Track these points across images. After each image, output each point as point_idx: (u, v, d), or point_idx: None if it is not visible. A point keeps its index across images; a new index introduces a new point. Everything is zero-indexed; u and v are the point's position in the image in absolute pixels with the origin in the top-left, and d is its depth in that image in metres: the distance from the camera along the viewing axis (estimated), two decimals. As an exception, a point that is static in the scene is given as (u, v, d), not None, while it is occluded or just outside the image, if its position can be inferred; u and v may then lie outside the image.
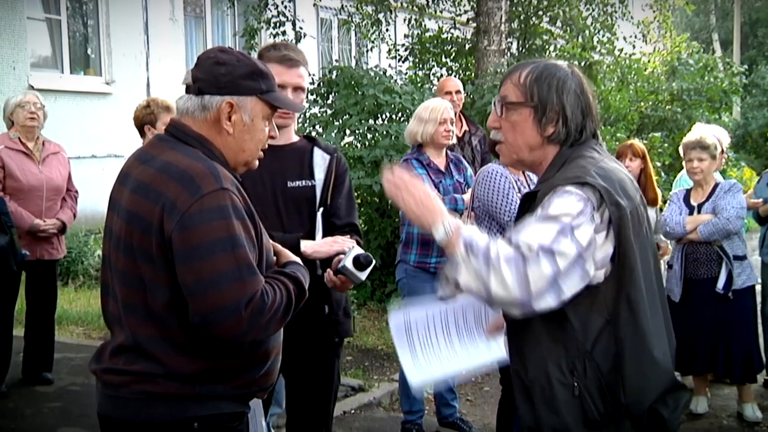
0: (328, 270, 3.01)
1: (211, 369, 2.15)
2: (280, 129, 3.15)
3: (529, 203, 2.26)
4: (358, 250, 2.98)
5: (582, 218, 2.06)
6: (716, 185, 5.27)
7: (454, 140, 4.98)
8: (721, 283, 5.09)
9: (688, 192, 5.38)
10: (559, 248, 2.01)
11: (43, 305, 5.62)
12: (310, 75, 3.36)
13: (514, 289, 1.98)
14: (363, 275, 2.97)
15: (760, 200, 5.69)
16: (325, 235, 3.12)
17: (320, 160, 3.21)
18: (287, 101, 2.49)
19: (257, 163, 2.36)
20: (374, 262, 3.01)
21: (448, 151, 4.96)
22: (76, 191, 5.77)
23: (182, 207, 2.04)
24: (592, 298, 2.10)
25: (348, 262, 2.94)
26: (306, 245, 3.00)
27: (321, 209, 3.15)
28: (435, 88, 9.23)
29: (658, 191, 5.68)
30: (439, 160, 4.85)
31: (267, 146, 2.40)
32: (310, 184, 3.16)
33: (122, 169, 2.27)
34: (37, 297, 5.61)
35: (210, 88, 2.22)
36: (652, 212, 5.47)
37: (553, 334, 2.14)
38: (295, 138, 3.27)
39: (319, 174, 3.18)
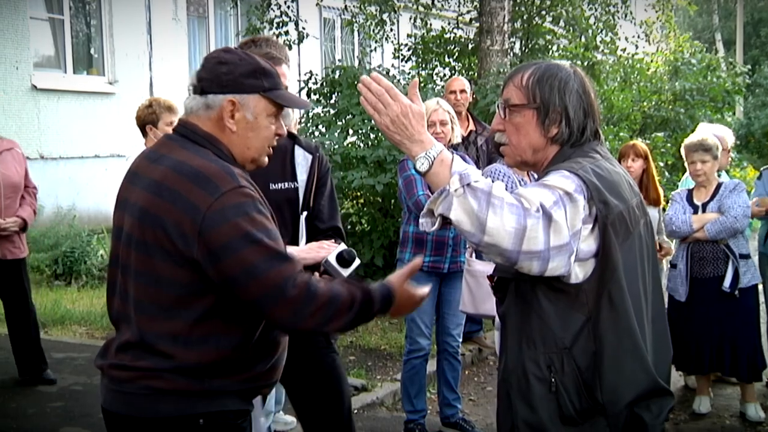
0: (316, 273, 2.91)
1: (218, 362, 2.16)
2: None
3: None
4: (343, 247, 2.90)
5: (573, 197, 2.05)
6: (719, 185, 5.27)
7: (458, 140, 4.96)
8: (727, 282, 5.09)
9: (690, 192, 5.37)
10: (556, 218, 1.99)
11: (16, 306, 5.53)
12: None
13: (509, 237, 1.95)
14: (346, 272, 2.87)
15: (763, 209, 5.63)
16: (308, 240, 3.00)
17: (302, 160, 3.10)
18: (291, 98, 2.46)
19: (266, 160, 2.36)
20: (358, 260, 2.91)
21: (452, 151, 4.94)
22: (35, 187, 5.64)
23: (203, 208, 2.07)
24: (573, 295, 2.11)
25: (332, 258, 2.86)
26: (291, 251, 2.94)
27: (305, 213, 3.04)
28: (439, 87, 9.27)
29: (661, 191, 5.67)
30: None
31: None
32: (292, 186, 3.06)
33: (130, 169, 2.30)
34: (8, 299, 5.53)
35: (213, 87, 2.24)
36: (654, 212, 5.46)
37: (532, 330, 2.14)
38: None
39: (302, 175, 3.08)
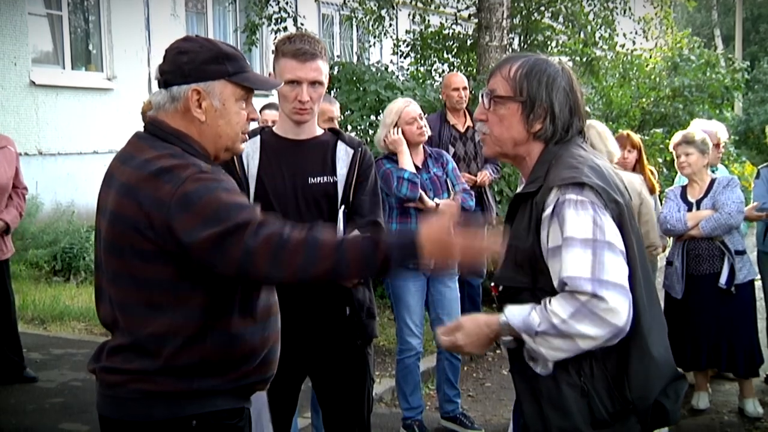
0: None
1: (207, 361, 2.13)
2: (300, 125, 3.05)
3: (522, 203, 2.23)
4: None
5: (601, 223, 2.06)
6: (713, 181, 5.26)
7: (424, 138, 4.89)
8: (723, 278, 5.09)
9: (683, 189, 5.36)
10: (607, 275, 2.02)
11: None
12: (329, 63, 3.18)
13: (600, 332, 2.01)
14: None
15: (763, 215, 5.58)
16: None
17: (343, 155, 3.08)
18: (259, 80, 2.34)
19: (241, 146, 2.32)
20: None
21: (426, 147, 4.94)
22: (25, 188, 5.50)
23: (167, 199, 2.03)
24: None
25: None
26: None
27: (343, 206, 3.02)
28: (437, 84, 9.26)
29: (655, 182, 5.65)
30: (414, 158, 4.83)
31: (249, 128, 2.36)
32: (331, 180, 3.04)
33: (107, 171, 2.26)
34: None
35: (176, 79, 2.18)
36: (651, 199, 5.46)
37: None
38: (319, 131, 3.14)
39: (342, 169, 3.05)
